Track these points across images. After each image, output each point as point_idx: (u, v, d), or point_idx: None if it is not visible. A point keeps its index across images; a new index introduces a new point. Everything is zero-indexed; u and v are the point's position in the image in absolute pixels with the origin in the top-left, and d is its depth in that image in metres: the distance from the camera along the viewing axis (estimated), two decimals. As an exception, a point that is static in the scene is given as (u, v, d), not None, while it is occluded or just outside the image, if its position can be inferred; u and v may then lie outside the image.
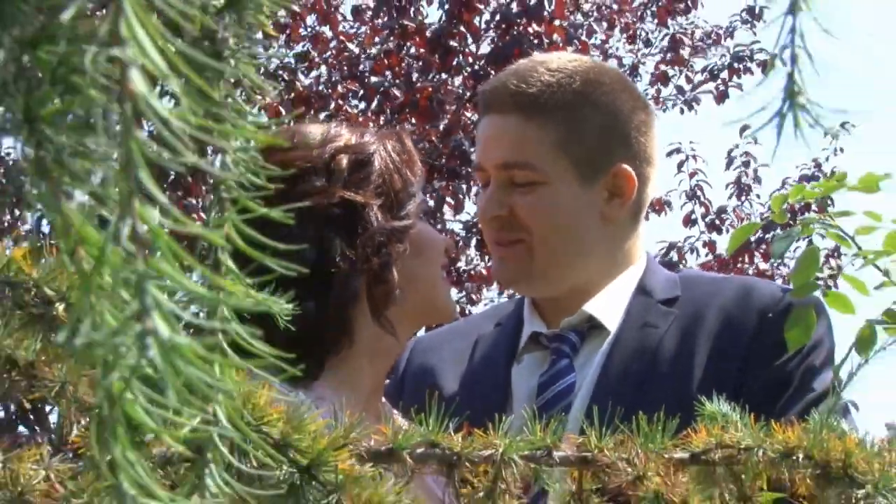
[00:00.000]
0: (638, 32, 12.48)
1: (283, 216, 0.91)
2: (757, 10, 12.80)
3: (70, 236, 0.80)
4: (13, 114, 0.83)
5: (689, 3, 12.39)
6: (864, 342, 2.75)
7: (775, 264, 12.28)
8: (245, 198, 0.85)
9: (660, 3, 12.35)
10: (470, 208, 11.08)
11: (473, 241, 10.95)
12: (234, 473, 1.11)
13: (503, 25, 10.91)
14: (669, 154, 13.05)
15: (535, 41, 10.47)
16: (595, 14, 11.95)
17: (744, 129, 13.14)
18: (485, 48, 11.03)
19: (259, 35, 1.00)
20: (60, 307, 1.68)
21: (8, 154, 9.91)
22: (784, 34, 1.04)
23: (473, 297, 11.20)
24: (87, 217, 0.80)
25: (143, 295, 0.78)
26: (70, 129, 0.80)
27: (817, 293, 2.91)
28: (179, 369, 0.79)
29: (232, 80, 0.94)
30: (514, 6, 10.92)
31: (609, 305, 3.11)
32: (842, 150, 13.34)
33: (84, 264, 0.80)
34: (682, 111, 12.98)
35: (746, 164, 13.44)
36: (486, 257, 11.00)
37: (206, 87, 0.81)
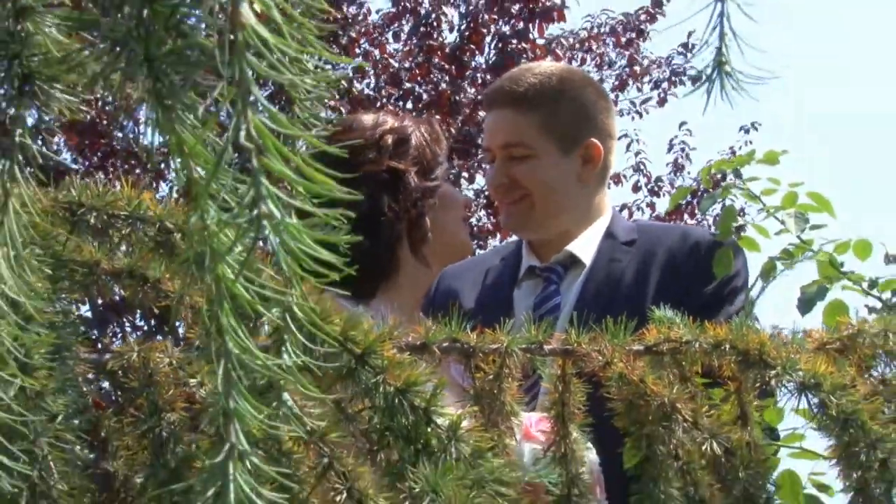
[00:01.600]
0: (604, 59, 12.43)
1: (339, 152, 0.88)
2: (689, 46, 12.76)
3: (184, 154, 0.77)
4: (136, 54, 0.79)
5: (638, 34, 12.35)
6: (767, 272, 2.81)
7: (700, 220, 12.26)
8: (313, 137, 0.81)
9: (616, 32, 12.29)
10: (479, 180, 11.11)
11: (481, 205, 10.94)
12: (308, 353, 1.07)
13: (500, 44, 10.94)
14: (620, 139, 13.05)
15: (523, 55, 10.49)
16: (573, 42, 11.92)
17: (682, 123, 13.23)
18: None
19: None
20: (178, 236, 1.66)
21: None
22: (714, 16, 1.00)
23: (482, 244, 11.20)
24: (197, 138, 0.77)
25: (258, 186, 0.75)
26: (181, 66, 0.77)
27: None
28: (289, 245, 0.76)
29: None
30: (507, 31, 10.97)
31: (585, 246, 3.13)
32: (751, 141, 13.31)
33: (195, 174, 0.77)
34: (632, 118, 12.97)
35: (682, 150, 13.41)
36: (491, 217, 10.99)
37: (301, 18, 0.78)
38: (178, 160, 0.77)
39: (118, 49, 0.79)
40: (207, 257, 0.76)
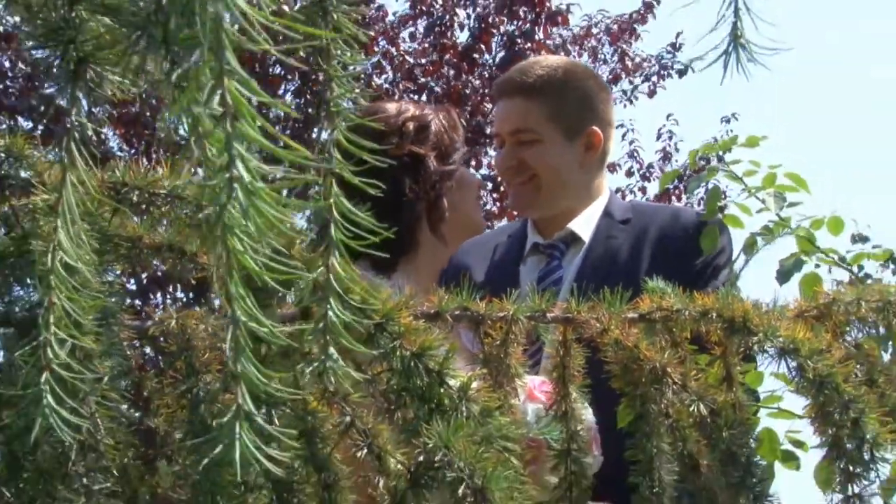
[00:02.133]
0: (598, 54, 12.32)
1: (376, 125, 0.86)
2: (677, 45, 12.62)
3: (199, 133, 0.75)
4: (154, 38, 0.78)
5: (631, 33, 12.24)
6: (749, 248, 2.81)
7: (686, 202, 12.18)
8: (347, 111, 0.79)
9: (612, 31, 12.19)
10: (485, 169, 11.07)
11: (488, 189, 10.91)
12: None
13: (508, 44, 10.91)
14: (616, 128, 12.87)
15: (529, 54, 10.43)
16: (570, 39, 11.84)
17: (669, 114, 13.14)
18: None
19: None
20: (195, 209, 1.65)
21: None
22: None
23: (488, 226, 11.16)
24: (212, 120, 0.75)
25: (230, 150, 0.73)
26: (195, 50, 0.75)
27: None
28: (259, 208, 0.74)
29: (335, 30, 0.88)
30: (515, 31, 10.94)
31: (585, 224, 3.11)
32: (732, 130, 13.22)
33: (209, 153, 0.75)
34: (624, 106, 12.80)
35: (670, 138, 13.28)
36: (497, 202, 10.94)
37: None
38: (193, 138, 0.75)
39: (139, 33, 0.77)
40: (218, 230, 0.74)
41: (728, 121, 13.28)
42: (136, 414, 1.61)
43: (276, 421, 1.47)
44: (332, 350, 1.08)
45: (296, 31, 0.78)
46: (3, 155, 1.67)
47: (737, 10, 0.98)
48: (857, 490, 1.74)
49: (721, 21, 0.99)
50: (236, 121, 0.73)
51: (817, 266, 2.77)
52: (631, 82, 12.48)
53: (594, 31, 11.95)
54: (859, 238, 3.04)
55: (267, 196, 0.74)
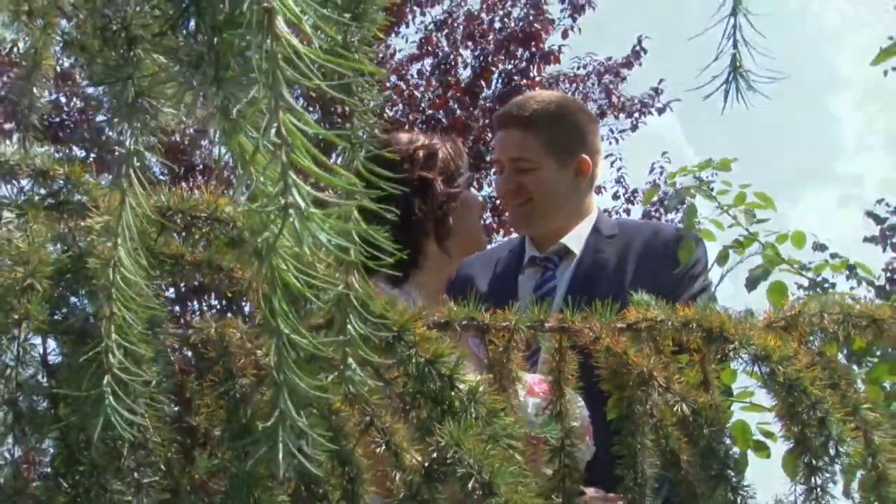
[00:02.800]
0: (590, 96, 12.25)
1: (391, 156, 0.85)
2: (659, 90, 12.47)
3: (244, 158, 0.74)
4: (206, 76, 0.77)
5: (616, 74, 12.16)
6: (722, 259, 2.84)
7: (666, 219, 12.11)
8: (367, 143, 0.78)
9: (600, 73, 12.11)
10: (486, 189, 11.06)
11: (488, 208, 10.89)
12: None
13: (506, 80, 10.91)
14: (605, 157, 12.78)
15: (525, 89, 10.42)
16: (561, 78, 11.80)
17: (664, 152, 13.05)
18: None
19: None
20: (246, 233, 1.63)
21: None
22: (728, 27, 0.97)
23: (488, 240, 11.12)
24: (256, 146, 0.74)
25: (286, 178, 0.72)
26: (243, 86, 0.74)
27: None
28: (312, 232, 0.73)
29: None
30: (512, 69, 10.93)
31: (576, 239, 3.12)
32: (717, 172, 13.02)
33: (254, 177, 0.74)
34: (609, 143, 12.66)
35: (661, 173, 13.12)
36: (495, 218, 10.91)
37: (328, 29, 0.75)
38: (240, 165, 0.74)
39: (193, 70, 0.76)
40: (263, 249, 0.73)
41: (722, 169, 13.07)
42: (176, 409, 1.60)
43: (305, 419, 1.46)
44: (350, 360, 1.07)
45: (339, 66, 0.76)
46: (62, 182, 1.66)
47: (735, 42, 0.97)
48: (819, 482, 1.73)
49: (721, 53, 0.98)
50: (291, 151, 0.72)
51: (780, 271, 2.79)
52: (616, 118, 12.40)
53: (582, 71, 11.88)
54: (819, 247, 3.06)
55: (319, 220, 0.73)
